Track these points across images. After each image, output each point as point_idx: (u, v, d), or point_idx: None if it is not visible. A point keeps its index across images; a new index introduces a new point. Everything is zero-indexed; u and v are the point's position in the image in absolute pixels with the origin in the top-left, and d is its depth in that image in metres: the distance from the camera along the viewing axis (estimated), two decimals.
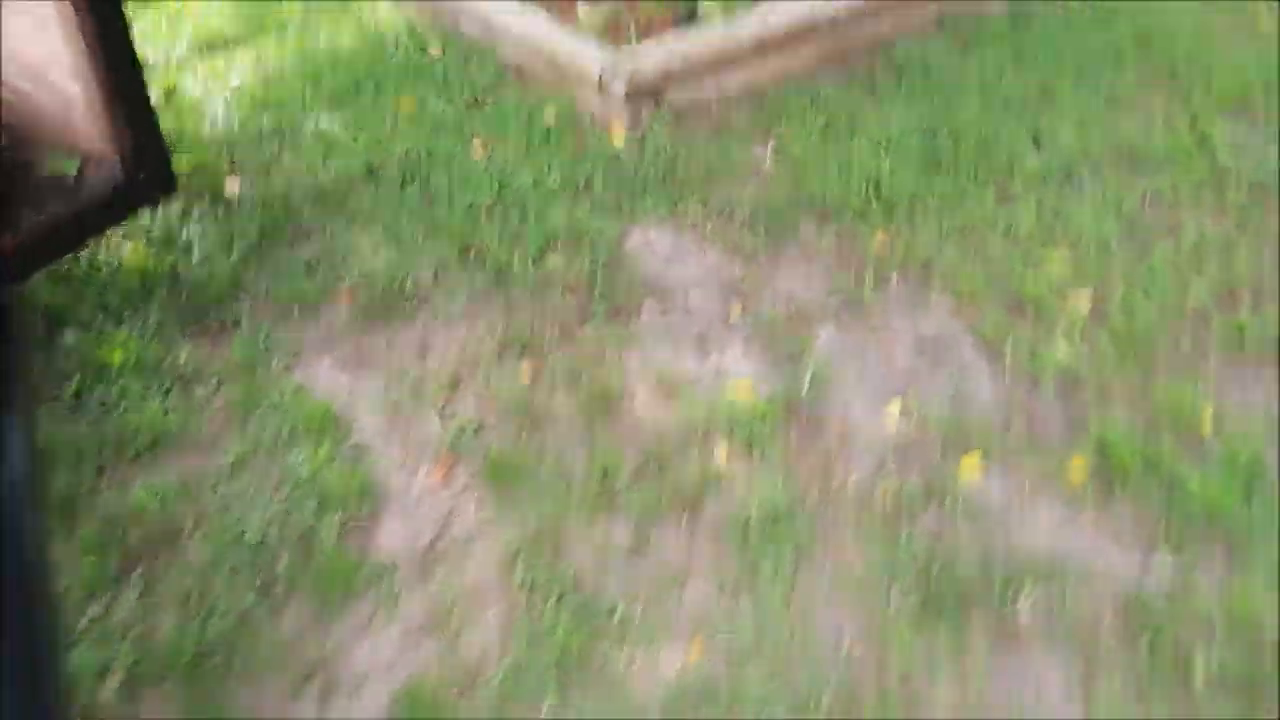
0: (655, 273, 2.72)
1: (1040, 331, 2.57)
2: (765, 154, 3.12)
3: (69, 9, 1.82)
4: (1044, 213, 2.93)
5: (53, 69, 1.98)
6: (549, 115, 3.24)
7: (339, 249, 2.72)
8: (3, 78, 2.11)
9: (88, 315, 2.44)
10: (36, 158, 2.19)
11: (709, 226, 2.87)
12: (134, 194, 2.20)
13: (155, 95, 3.22)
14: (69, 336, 2.39)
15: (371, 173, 2.98)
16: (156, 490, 2.09)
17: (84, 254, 2.57)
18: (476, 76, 3.44)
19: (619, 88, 3.14)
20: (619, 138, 3.15)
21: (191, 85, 3.37)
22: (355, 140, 3.08)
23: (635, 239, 2.82)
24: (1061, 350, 2.50)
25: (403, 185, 2.93)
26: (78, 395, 2.28)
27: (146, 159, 2.14)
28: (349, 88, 3.34)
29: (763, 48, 3.40)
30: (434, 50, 3.59)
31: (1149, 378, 2.45)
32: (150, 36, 3.63)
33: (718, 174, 3.05)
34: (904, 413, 2.35)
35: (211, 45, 3.60)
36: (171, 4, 3.81)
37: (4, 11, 1.97)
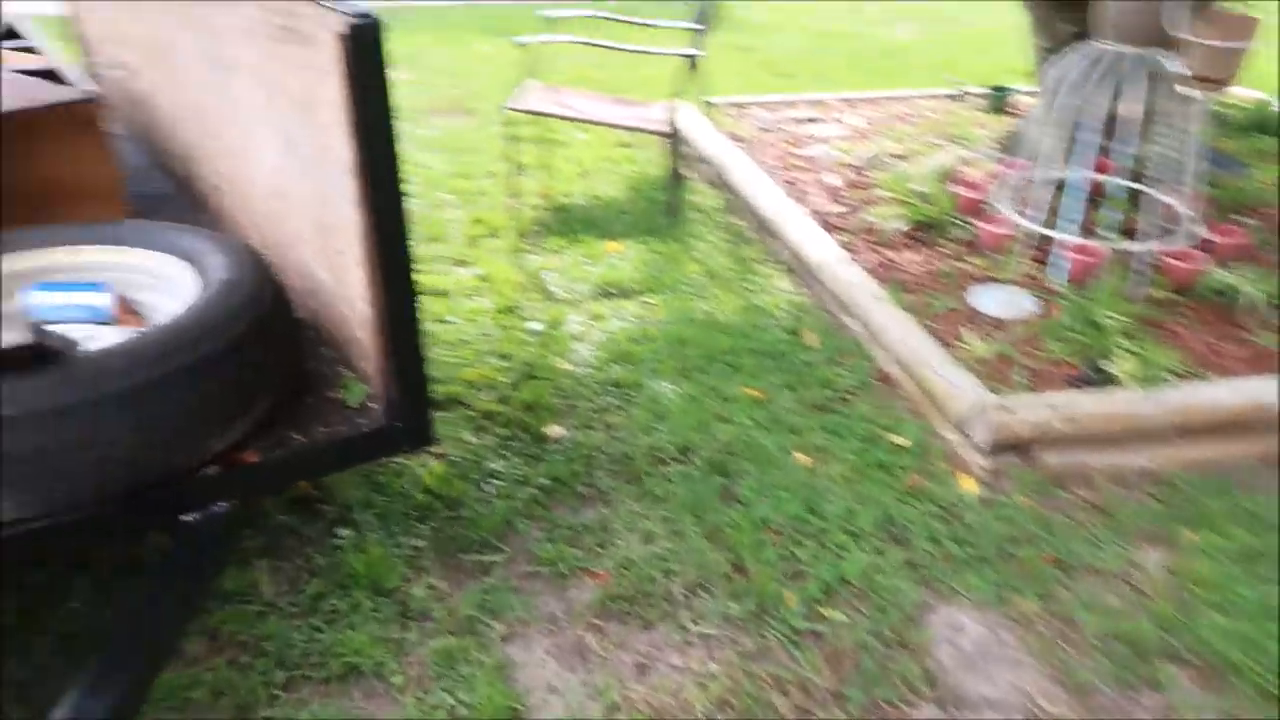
0: (949, 673, 2.16)
1: None
2: (1148, 561, 2.44)
3: (367, 266, 1.95)
4: None
5: (358, 302, 2.11)
6: (896, 441, 2.87)
7: (615, 524, 2.56)
8: (332, 300, 2.31)
9: (367, 520, 2.50)
10: (334, 377, 2.35)
11: (1040, 635, 2.26)
12: (385, 441, 2.25)
13: (541, 324, 3.49)
14: (341, 536, 2.45)
15: (684, 453, 2.82)
16: None
17: (397, 459, 2.69)
18: (839, 378, 3.20)
19: (983, 434, 2.70)
20: (967, 491, 2.68)
21: (574, 323, 3.54)
22: (684, 415, 2.97)
23: (939, 620, 2.30)
24: None
25: (707, 476, 2.72)
26: (317, 597, 2.30)
27: (405, 413, 2.19)
28: (706, 359, 3.28)
29: (1184, 429, 2.75)
30: (809, 339, 3.44)
31: None
32: (567, 272, 3.95)
33: (1075, 570, 2.43)
34: None
35: (609, 291, 3.79)
36: (594, 248, 4.13)
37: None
